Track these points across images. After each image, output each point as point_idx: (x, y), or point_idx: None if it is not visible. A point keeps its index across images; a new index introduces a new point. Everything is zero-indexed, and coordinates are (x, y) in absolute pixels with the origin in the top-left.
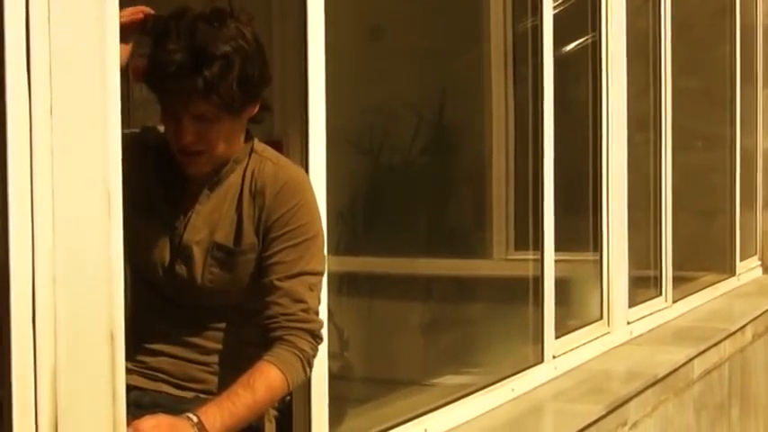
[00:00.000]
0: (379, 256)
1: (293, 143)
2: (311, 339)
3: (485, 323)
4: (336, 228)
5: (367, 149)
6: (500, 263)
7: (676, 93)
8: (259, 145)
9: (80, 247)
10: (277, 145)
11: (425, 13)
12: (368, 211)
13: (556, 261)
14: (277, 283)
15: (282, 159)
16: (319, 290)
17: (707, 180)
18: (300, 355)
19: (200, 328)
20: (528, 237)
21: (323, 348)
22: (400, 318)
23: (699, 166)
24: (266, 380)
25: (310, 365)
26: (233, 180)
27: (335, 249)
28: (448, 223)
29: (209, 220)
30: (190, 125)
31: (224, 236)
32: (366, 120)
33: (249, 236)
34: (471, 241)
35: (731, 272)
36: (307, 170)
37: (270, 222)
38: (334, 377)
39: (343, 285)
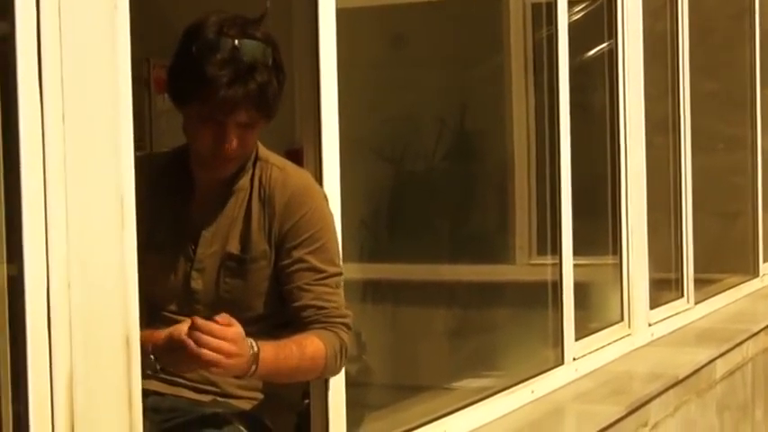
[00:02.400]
0: (403, 263)
1: (307, 151)
2: (347, 330)
3: (507, 327)
4: (359, 235)
5: (389, 157)
6: (523, 268)
7: (698, 95)
8: (263, 151)
9: (94, 252)
10: (298, 153)
11: (447, 22)
12: (391, 218)
13: (577, 265)
14: (305, 287)
15: (288, 165)
16: (342, 286)
17: (729, 182)
18: (340, 343)
19: None
20: (550, 241)
21: None
22: (423, 323)
23: (720, 167)
24: (314, 348)
25: (345, 356)
26: (241, 187)
27: (359, 256)
28: (470, 229)
29: (220, 231)
30: (234, 131)
31: (235, 245)
32: (389, 128)
33: (260, 243)
34: (494, 247)
35: (754, 273)
36: (321, 178)
37: (283, 232)
38: (353, 381)
39: (367, 291)
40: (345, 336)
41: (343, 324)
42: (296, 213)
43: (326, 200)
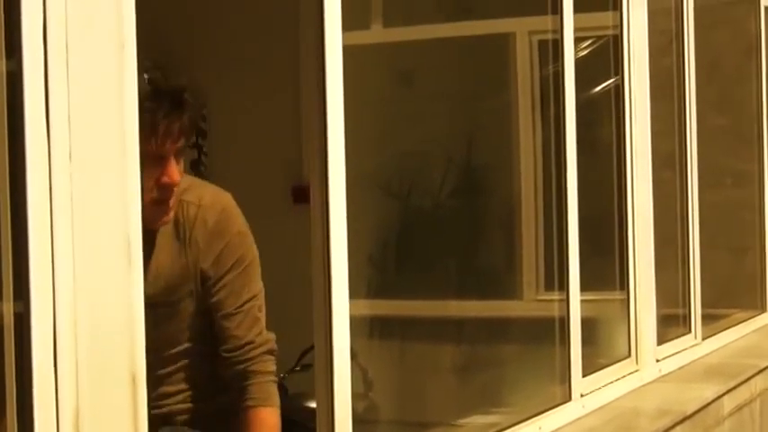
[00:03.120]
0: (410, 299)
1: (313, 188)
2: (272, 357)
3: (515, 363)
4: (366, 271)
5: (396, 193)
6: (530, 303)
7: (705, 130)
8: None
9: (101, 290)
10: (305, 190)
11: (454, 59)
12: (398, 254)
13: (585, 301)
14: (230, 316)
15: (203, 197)
16: (264, 305)
17: (737, 217)
18: (272, 378)
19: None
20: (557, 277)
21: (346, 390)
22: (430, 359)
23: (729, 203)
24: (267, 425)
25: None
26: (165, 232)
27: (366, 292)
28: (477, 265)
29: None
30: (174, 164)
31: (162, 289)
32: (396, 164)
33: (187, 283)
34: (501, 282)
35: (762, 308)
36: (327, 214)
37: (207, 265)
38: (360, 418)
39: (374, 328)
40: (271, 364)
41: (266, 353)
42: (218, 245)
43: (242, 217)
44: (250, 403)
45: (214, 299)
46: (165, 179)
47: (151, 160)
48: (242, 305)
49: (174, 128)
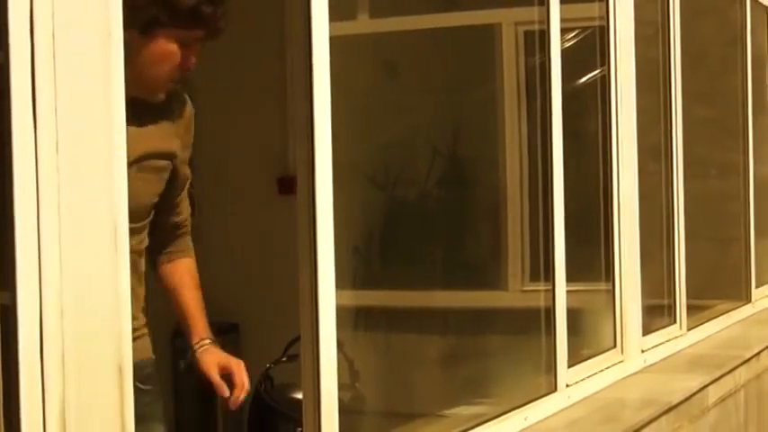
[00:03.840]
0: (395, 290)
1: (300, 178)
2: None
3: (500, 354)
4: (353, 261)
5: (382, 184)
6: (515, 294)
7: (692, 122)
8: None
9: (87, 280)
10: (292, 180)
11: (440, 49)
12: (384, 245)
13: (570, 291)
14: (185, 197)
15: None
16: None
17: (722, 208)
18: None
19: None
20: (542, 268)
21: (332, 380)
22: (416, 350)
23: (713, 194)
24: (192, 269)
25: None
26: (159, 108)
27: (352, 283)
28: (463, 256)
29: None
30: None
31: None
32: (382, 155)
33: (167, 160)
34: (486, 273)
35: (746, 299)
36: (314, 205)
37: (177, 148)
38: (346, 409)
39: (360, 319)
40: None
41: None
42: (186, 136)
43: None
44: (180, 255)
45: (180, 181)
46: (189, 64)
47: (185, 44)
48: (186, 185)
49: (218, 22)
